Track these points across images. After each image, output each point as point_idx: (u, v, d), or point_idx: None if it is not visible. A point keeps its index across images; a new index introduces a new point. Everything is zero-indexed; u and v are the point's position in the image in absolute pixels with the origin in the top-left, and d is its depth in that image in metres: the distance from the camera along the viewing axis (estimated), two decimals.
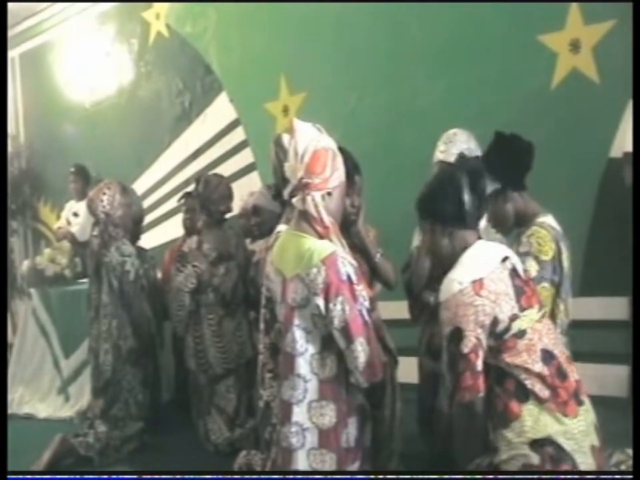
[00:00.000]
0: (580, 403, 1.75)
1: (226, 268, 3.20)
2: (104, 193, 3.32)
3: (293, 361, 1.88)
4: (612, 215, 3.20)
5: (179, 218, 4.02)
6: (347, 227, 2.25)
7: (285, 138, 2.39)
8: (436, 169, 2.59)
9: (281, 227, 2.38)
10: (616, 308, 3.16)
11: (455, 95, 3.62)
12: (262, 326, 2.13)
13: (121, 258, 3.23)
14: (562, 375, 1.75)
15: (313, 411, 1.88)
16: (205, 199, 3.27)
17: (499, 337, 1.73)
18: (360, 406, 1.95)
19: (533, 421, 1.69)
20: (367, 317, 1.88)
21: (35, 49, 6.33)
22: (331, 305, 1.82)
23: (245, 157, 4.62)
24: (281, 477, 1.90)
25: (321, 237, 1.92)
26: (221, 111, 4.77)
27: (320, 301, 1.83)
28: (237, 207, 3.56)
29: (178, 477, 1.90)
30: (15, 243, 6.40)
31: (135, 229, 3.54)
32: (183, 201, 3.93)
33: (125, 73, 5.55)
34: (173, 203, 4.70)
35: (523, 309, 1.75)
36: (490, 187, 2.06)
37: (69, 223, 5.13)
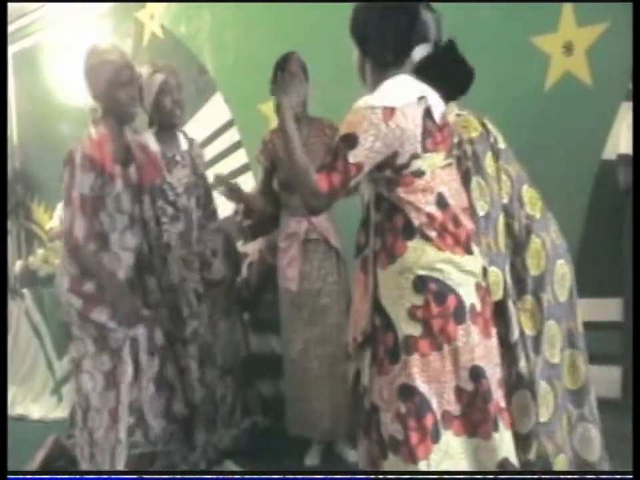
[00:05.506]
0: (469, 252, 1.70)
1: None
2: None
3: None
4: (605, 217, 3.21)
5: None
6: None
7: None
8: None
9: None
10: (609, 309, 3.17)
11: None
12: None
13: None
14: (455, 222, 1.70)
15: None
16: None
17: (397, 171, 1.68)
18: None
19: (417, 256, 1.65)
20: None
21: (28, 49, 6.30)
22: None
23: (240, 158, 4.61)
24: (281, 476, 1.90)
25: None
26: (215, 111, 4.76)
27: None
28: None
29: (178, 477, 1.89)
30: (7, 243, 6.37)
31: None
32: None
33: None
34: None
35: (426, 151, 1.68)
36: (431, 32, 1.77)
37: (61, 223, 5.11)
